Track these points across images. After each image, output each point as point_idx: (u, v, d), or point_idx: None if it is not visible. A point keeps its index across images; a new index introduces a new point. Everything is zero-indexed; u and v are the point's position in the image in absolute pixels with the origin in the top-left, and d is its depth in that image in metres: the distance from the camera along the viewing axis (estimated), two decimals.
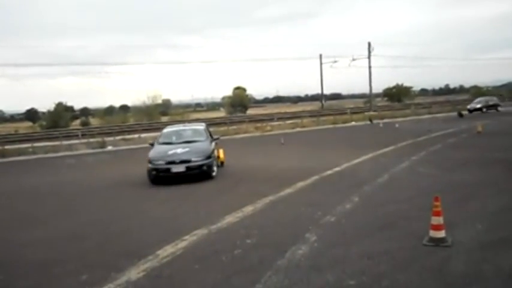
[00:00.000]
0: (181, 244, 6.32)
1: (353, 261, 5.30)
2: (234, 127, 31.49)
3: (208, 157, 12.04)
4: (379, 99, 62.89)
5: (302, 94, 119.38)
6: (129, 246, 6.48)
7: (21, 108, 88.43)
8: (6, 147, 24.88)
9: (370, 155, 14.91)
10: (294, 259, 5.48)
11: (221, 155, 14.03)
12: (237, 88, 66.63)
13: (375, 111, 42.32)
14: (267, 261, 5.43)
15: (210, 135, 13.75)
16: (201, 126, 14.35)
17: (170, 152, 11.97)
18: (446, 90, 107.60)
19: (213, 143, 13.19)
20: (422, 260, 5.23)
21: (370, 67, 49.60)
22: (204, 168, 11.76)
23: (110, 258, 5.97)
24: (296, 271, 5.11)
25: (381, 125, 30.17)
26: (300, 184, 10.40)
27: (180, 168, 11.54)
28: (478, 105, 38.84)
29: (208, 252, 5.95)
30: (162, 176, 11.70)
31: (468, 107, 39.51)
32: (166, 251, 6.03)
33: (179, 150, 12.00)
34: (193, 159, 11.69)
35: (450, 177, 10.37)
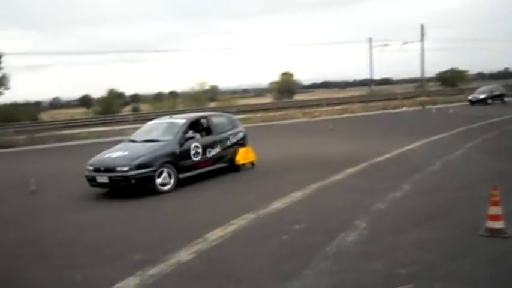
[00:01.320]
0: (230, 228, 6.42)
1: (404, 250, 5.19)
2: (281, 113, 31.37)
3: (145, 166, 8.99)
4: (431, 83, 60.48)
5: (350, 79, 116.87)
6: (178, 229, 6.66)
7: (76, 94, 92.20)
8: (64, 132, 26.11)
9: (421, 142, 14.44)
10: (342, 246, 5.43)
11: (240, 156, 11.13)
12: (284, 73, 66.25)
13: (427, 96, 40.80)
14: (315, 247, 5.42)
15: (193, 132, 10.38)
16: (181, 121, 10.62)
17: (106, 156, 9.70)
18: (505, 74, 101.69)
19: (191, 145, 10.03)
20: (477, 251, 5.03)
21: (423, 50, 47.88)
22: (132, 181, 8.89)
23: (161, 240, 6.15)
24: (345, 258, 5.06)
25: (434, 110, 29.07)
26: (349, 170, 10.24)
27: (104, 178, 9.10)
28: (482, 96, 33.17)
29: (257, 237, 6.01)
30: (94, 185, 9.50)
31: (469, 97, 33.81)
32: (216, 235, 6.14)
33: (116, 154, 9.57)
34: (118, 168, 8.96)
35: (507, 165, 9.86)
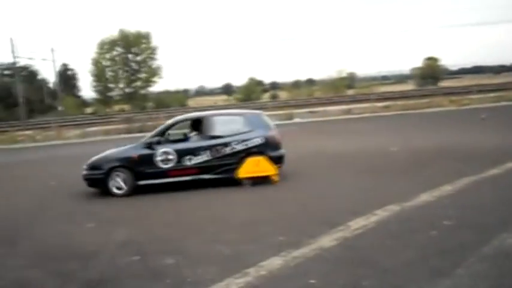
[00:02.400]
0: (373, 218, 6.23)
1: None
2: (425, 100, 29.31)
3: (95, 168, 9.08)
4: None
5: (508, 63, 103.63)
6: (320, 215, 6.67)
7: (219, 83, 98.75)
8: None
9: None
10: (502, 247, 4.88)
11: (243, 167, 8.94)
12: (429, 58, 62.02)
13: None
14: (468, 246, 4.98)
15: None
16: (169, 121, 9.88)
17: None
18: None
19: (159, 150, 8.91)
20: None
21: None
22: (85, 182, 9.27)
23: (303, 225, 6.24)
24: (506, 261, 4.55)
25: None
26: (510, 165, 9.12)
27: None
28: None
29: (402, 229, 5.73)
30: None
31: None
32: (358, 224, 6.02)
33: (107, 151, 9.58)
34: (85, 166, 9.35)
35: None
